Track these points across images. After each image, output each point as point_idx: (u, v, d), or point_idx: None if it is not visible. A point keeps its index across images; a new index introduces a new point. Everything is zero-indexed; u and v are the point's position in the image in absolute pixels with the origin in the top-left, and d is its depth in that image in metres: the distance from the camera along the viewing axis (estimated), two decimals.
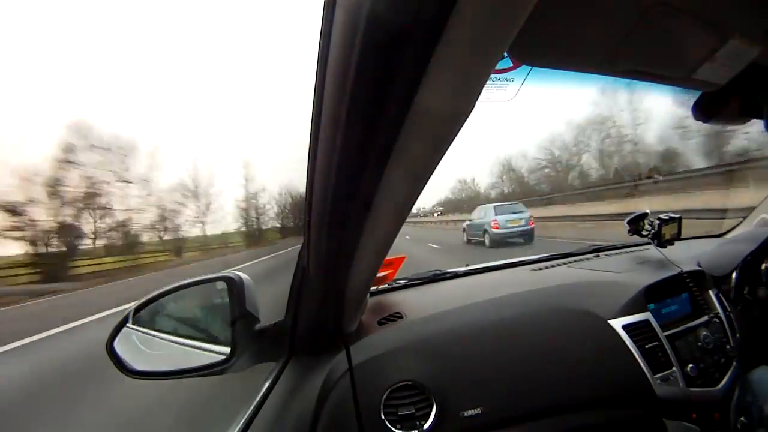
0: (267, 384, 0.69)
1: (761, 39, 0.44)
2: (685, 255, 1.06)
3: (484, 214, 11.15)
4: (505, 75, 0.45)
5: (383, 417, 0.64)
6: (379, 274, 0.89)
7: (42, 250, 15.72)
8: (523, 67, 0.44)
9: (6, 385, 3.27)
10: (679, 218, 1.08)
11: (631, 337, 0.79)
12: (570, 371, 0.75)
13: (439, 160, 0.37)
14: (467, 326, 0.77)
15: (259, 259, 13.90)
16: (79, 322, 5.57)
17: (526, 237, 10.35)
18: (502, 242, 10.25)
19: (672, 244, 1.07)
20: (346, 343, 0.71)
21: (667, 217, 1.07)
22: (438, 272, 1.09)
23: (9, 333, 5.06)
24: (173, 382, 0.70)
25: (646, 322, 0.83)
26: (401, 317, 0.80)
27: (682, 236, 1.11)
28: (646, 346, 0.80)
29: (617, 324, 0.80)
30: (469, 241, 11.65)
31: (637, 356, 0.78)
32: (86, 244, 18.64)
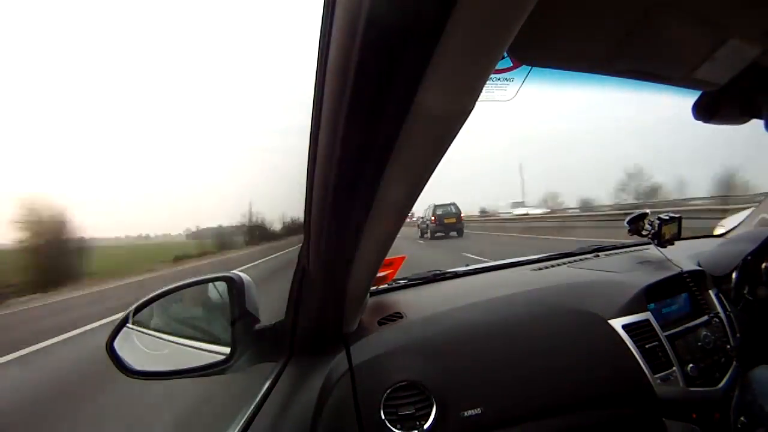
0: (267, 384, 0.69)
1: (761, 39, 0.44)
2: (685, 255, 1.06)
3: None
4: (505, 75, 0.45)
5: (383, 417, 0.64)
6: (379, 274, 0.89)
7: None
8: (523, 67, 0.44)
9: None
10: (679, 218, 1.08)
11: (631, 336, 0.79)
12: (570, 371, 0.75)
13: (439, 160, 0.37)
14: (467, 326, 0.77)
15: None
16: None
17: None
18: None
19: (672, 244, 1.07)
20: (347, 343, 0.71)
21: (667, 217, 1.07)
22: (438, 272, 1.09)
23: None
24: (173, 382, 0.70)
25: (646, 321, 0.83)
26: (401, 317, 0.80)
27: (682, 236, 1.11)
28: (646, 346, 0.80)
29: (617, 324, 0.80)
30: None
31: (637, 356, 0.78)
32: None
